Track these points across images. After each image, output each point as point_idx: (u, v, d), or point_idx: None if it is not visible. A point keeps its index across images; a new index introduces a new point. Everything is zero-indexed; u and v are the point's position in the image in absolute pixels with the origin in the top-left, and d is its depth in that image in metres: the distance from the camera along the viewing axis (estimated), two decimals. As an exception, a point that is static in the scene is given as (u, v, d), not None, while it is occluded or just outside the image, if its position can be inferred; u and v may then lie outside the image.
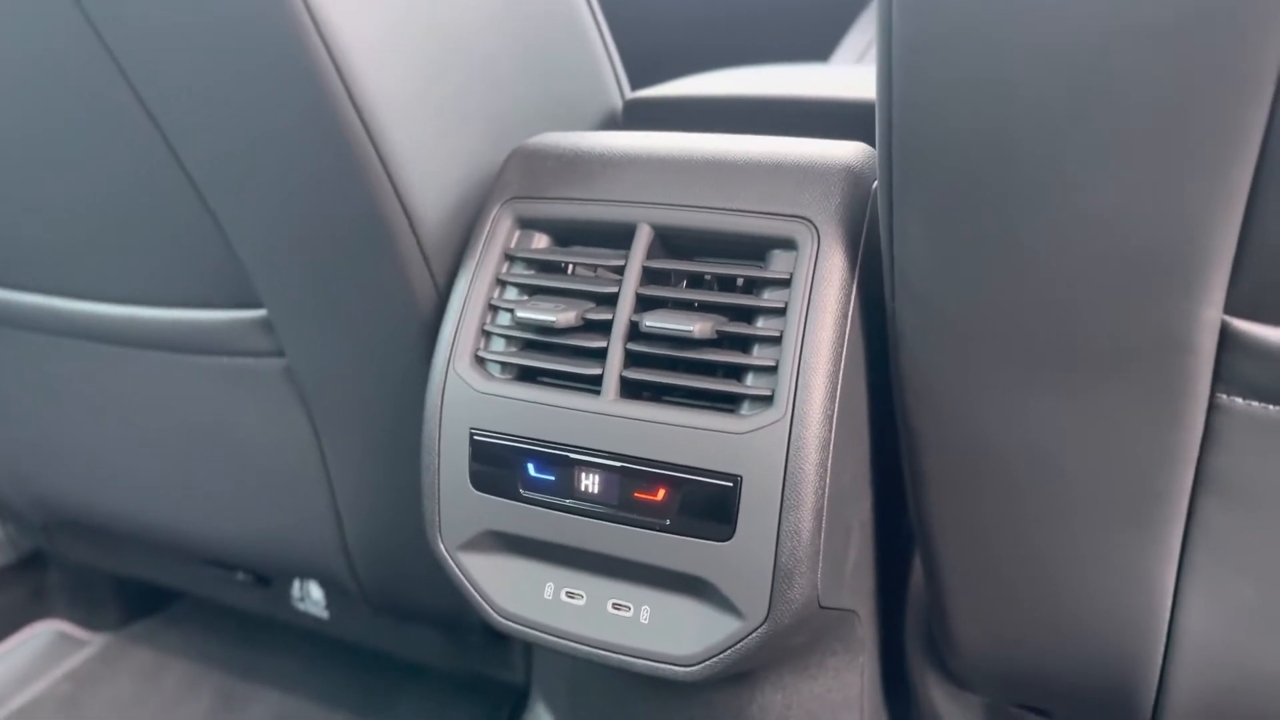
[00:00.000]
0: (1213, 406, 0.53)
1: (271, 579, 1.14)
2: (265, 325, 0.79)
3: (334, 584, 0.99)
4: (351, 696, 1.27)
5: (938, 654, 0.76)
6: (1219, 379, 0.52)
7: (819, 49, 1.62)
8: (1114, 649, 0.63)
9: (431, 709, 1.23)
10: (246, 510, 0.95)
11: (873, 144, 0.65)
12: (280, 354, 0.81)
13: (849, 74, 0.99)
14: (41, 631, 1.45)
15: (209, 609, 1.43)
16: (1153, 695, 0.64)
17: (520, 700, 1.18)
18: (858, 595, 0.68)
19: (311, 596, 1.13)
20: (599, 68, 0.84)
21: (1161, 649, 0.62)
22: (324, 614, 1.13)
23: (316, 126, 0.62)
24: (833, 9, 1.65)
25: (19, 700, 1.33)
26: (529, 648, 0.98)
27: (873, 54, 1.61)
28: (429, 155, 0.67)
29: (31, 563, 1.46)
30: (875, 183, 0.62)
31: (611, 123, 0.86)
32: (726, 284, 0.64)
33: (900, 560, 0.78)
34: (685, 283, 0.65)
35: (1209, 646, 0.61)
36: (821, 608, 0.60)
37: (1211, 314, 0.50)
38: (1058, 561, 0.61)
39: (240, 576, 1.13)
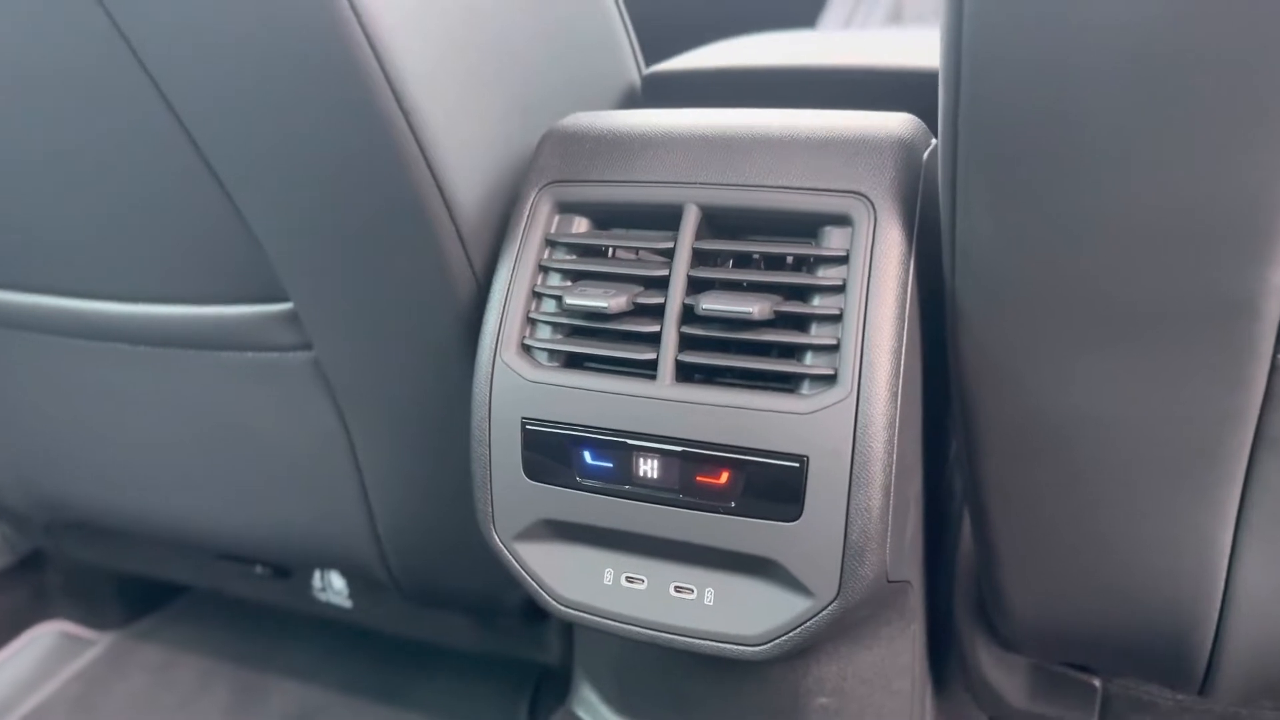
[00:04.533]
0: (1275, 367, 0.54)
1: (291, 571, 1.13)
2: (291, 319, 0.78)
3: (360, 573, 0.98)
4: (373, 682, 1.26)
5: (986, 619, 0.77)
6: None
7: (801, 16, 1.61)
8: (1170, 607, 0.65)
9: (455, 690, 1.23)
10: (270, 503, 0.94)
11: (908, 112, 0.65)
12: (307, 347, 0.79)
13: (861, 40, 0.98)
14: (45, 633, 1.42)
15: (216, 601, 1.42)
16: (1207, 652, 0.65)
17: (545, 678, 1.18)
18: (912, 566, 0.68)
19: (333, 586, 1.12)
20: (618, 42, 0.83)
21: (1218, 607, 0.63)
22: (346, 604, 1.13)
23: (352, 112, 0.61)
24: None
25: (29, 703, 1.31)
26: (568, 629, 0.98)
27: (859, 19, 1.60)
28: (464, 138, 0.66)
29: (30, 563, 1.43)
30: (926, 154, 0.62)
31: (631, 98, 0.85)
32: (773, 263, 0.63)
33: (945, 527, 0.78)
34: (731, 262, 0.64)
35: (1266, 604, 0.62)
36: (889, 582, 0.61)
37: (1278, 277, 0.50)
38: (1116, 523, 0.62)
39: (259, 569, 1.11)
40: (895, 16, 1.52)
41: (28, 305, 0.87)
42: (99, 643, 1.41)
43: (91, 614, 1.44)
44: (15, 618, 1.43)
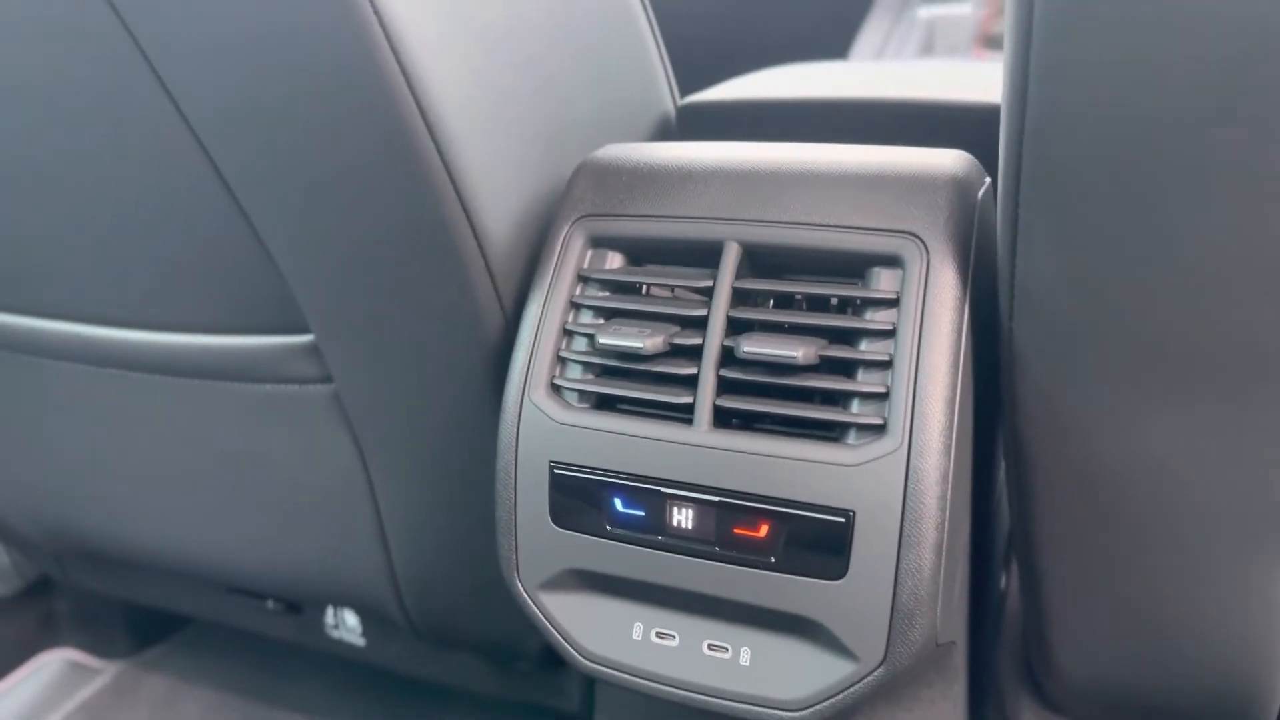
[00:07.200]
0: None
1: (304, 607, 1.10)
2: (312, 351, 0.75)
3: (374, 612, 0.95)
4: (383, 721, 1.23)
5: (1031, 678, 0.73)
6: None
7: (833, 46, 1.59)
8: (1232, 675, 0.61)
9: (467, 733, 1.19)
10: (284, 539, 0.91)
11: (954, 147, 0.62)
12: (327, 380, 0.77)
13: (897, 72, 0.95)
14: (51, 661, 1.40)
15: (225, 633, 1.39)
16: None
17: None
18: (958, 624, 0.65)
19: (346, 624, 1.09)
20: (653, 72, 0.80)
21: None
22: (360, 641, 1.09)
23: (381, 140, 0.59)
24: (841, 6, 1.62)
25: (33, 734, 1.28)
26: (588, 677, 0.95)
27: (891, 49, 1.58)
28: (495, 168, 0.63)
29: (38, 590, 1.41)
30: (981, 193, 0.59)
31: (666, 129, 0.82)
32: (817, 304, 0.60)
33: (988, 579, 0.75)
34: (773, 303, 0.61)
35: (1339, 674, 0.58)
36: (937, 645, 0.57)
37: None
38: (1179, 584, 0.59)
39: (270, 605, 1.08)
40: (927, 48, 1.50)
41: (43, 331, 0.84)
42: (105, 672, 1.38)
43: (99, 642, 1.41)
44: (23, 644, 1.40)
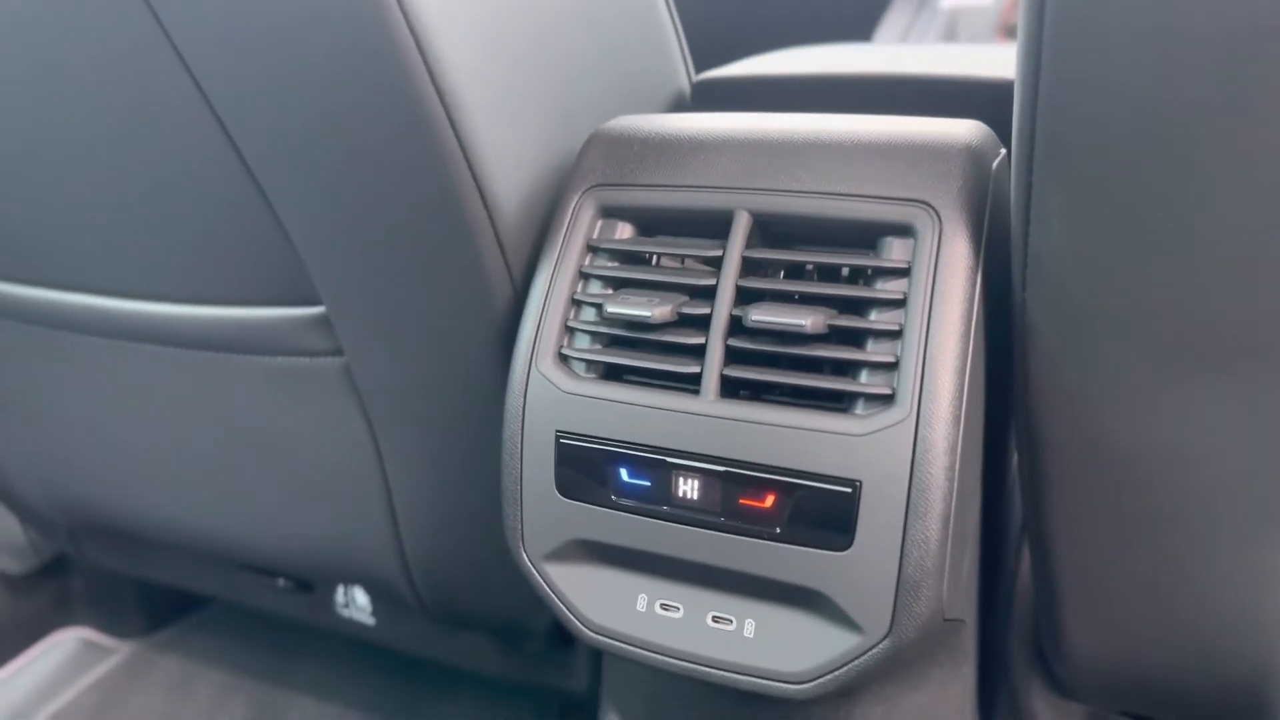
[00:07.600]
0: None
1: (314, 585, 1.10)
2: (322, 323, 0.75)
3: (384, 590, 0.95)
4: (393, 703, 1.23)
5: (1041, 661, 0.72)
6: None
7: (856, 33, 1.58)
8: (1249, 656, 0.60)
9: (477, 715, 1.19)
10: (294, 515, 0.91)
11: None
12: (338, 353, 0.77)
13: (918, 53, 0.94)
14: (65, 639, 1.41)
15: (237, 614, 1.40)
16: (1288, 706, 0.61)
17: (569, 707, 1.14)
18: (967, 602, 0.64)
19: (357, 602, 1.09)
20: (668, 47, 0.80)
21: None
22: (369, 620, 1.09)
23: (397, 116, 0.58)
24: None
25: (45, 712, 1.29)
26: (596, 656, 0.94)
27: (914, 36, 1.56)
28: (506, 139, 0.63)
29: (54, 568, 1.42)
30: (995, 163, 0.58)
31: (680, 104, 0.82)
32: (828, 274, 0.60)
33: (1000, 560, 0.74)
34: (783, 273, 0.61)
35: (1358, 656, 0.57)
36: (944, 620, 0.56)
37: None
38: (1194, 564, 0.58)
39: (281, 583, 1.09)
40: (949, 35, 1.48)
41: (55, 302, 0.85)
42: (119, 651, 1.39)
43: (113, 622, 1.42)
44: (38, 622, 1.41)
